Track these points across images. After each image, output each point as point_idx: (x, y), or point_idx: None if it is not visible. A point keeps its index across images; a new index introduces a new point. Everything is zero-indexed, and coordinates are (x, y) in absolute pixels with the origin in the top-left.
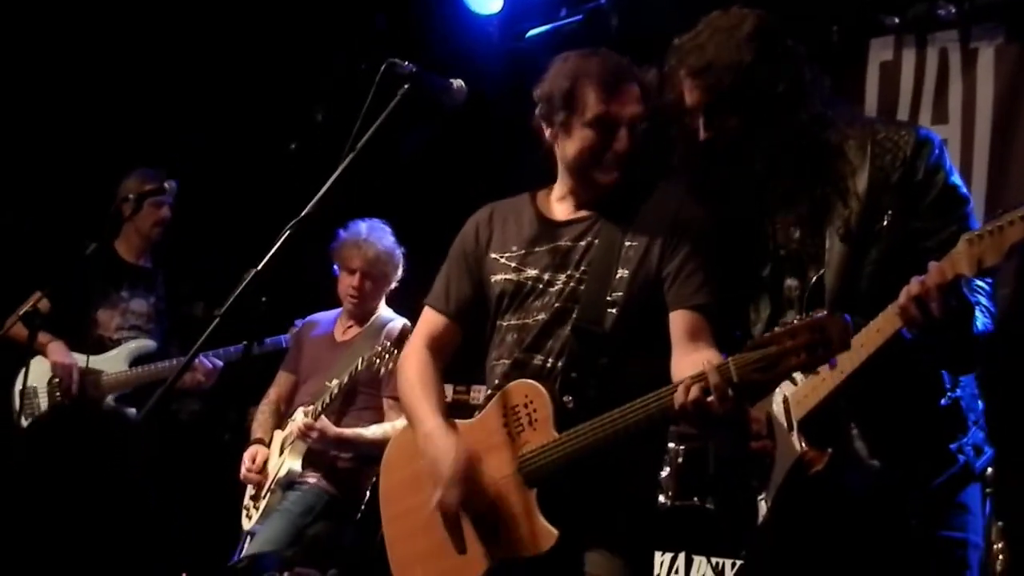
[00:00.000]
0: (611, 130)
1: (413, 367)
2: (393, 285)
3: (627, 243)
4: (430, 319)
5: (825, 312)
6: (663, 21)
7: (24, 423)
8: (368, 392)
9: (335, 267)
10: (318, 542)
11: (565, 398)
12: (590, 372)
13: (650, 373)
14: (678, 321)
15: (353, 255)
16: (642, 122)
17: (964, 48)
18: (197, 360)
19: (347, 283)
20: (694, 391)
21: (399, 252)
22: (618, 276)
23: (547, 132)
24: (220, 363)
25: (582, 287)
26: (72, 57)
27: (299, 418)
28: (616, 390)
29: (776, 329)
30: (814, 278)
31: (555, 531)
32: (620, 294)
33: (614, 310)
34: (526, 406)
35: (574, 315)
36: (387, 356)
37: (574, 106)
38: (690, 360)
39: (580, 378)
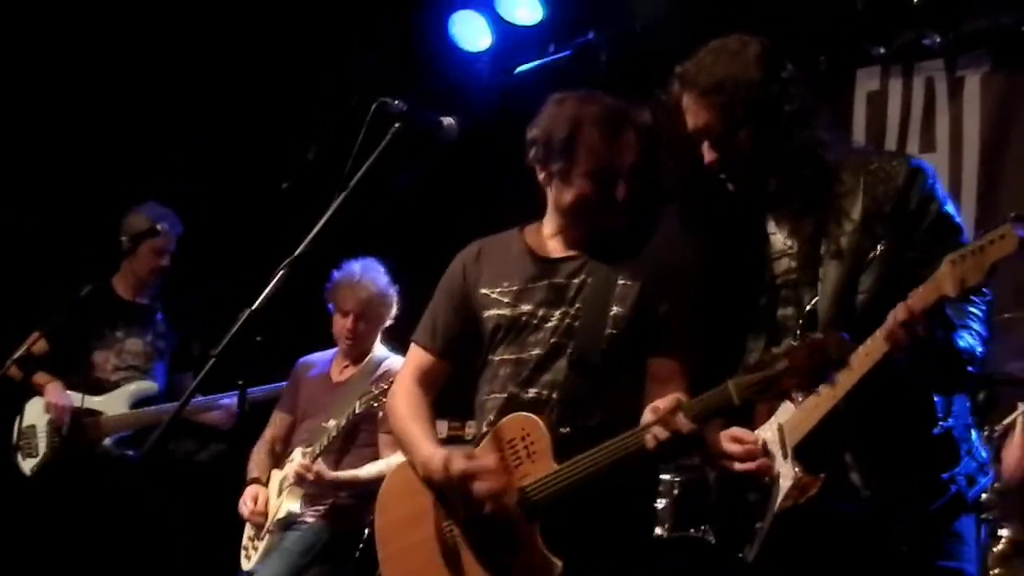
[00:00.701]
0: (610, 181)
1: (403, 402)
2: (388, 323)
3: (620, 281)
4: (418, 356)
5: (821, 333)
6: (652, 57)
7: (22, 462)
8: (368, 430)
9: (330, 307)
10: None
11: (562, 428)
12: (586, 402)
13: (643, 401)
14: (653, 367)
15: (347, 297)
16: (640, 169)
17: (950, 77)
18: (224, 400)
19: (341, 324)
20: (661, 431)
21: (393, 292)
22: (612, 312)
23: (541, 175)
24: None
25: (577, 323)
26: (69, 97)
27: (297, 458)
28: (611, 418)
29: (774, 350)
30: (808, 306)
31: (559, 563)
32: (614, 330)
33: (609, 344)
34: (523, 439)
35: (569, 349)
36: (384, 400)
37: (572, 156)
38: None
39: (576, 408)
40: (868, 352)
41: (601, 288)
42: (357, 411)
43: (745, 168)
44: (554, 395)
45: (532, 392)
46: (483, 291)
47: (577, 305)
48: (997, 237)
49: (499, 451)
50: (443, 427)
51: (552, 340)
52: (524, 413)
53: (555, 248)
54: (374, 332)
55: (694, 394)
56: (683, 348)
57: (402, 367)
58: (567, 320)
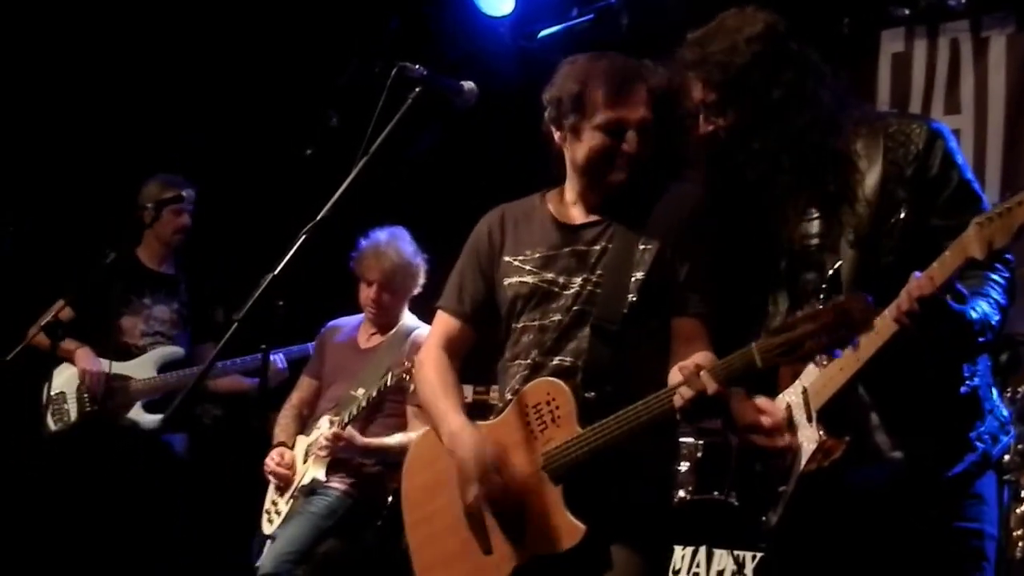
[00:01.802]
0: (620, 133)
1: (432, 369)
2: (415, 293)
3: (641, 246)
4: (444, 322)
5: (845, 296)
6: (673, 20)
7: (53, 427)
8: (395, 400)
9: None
10: (329, 561)
11: (587, 393)
12: (610, 368)
13: (665, 367)
14: (677, 327)
15: (371, 267)
16: (651, 124)
17: (975, 38)
18: (271, 360)
19: (366, 294)
20: (688, 391)
21: (419, 261)
22: (633, 278)
23: (556, 135)
24: (285, 366)
25: (599, 290)
26: (90, 64)
27: (324, 426)
28: (635, 383)
29: (798, 313)
30: (831, 270)
31: (582, 526)
32: (636, 295)
33: (631, 310)
34: (548, 403)
35: (592, 317)
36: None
37: (583, 110)
38: (684, 362)
39: (601, 374)
40: (878, 331)
41: (622, 254)
42: (389, 383)
43: (731, 146)
44: (579, 362)
45: (557, 360)
46: (506, 258)
47: (599, 272)
48: None
49: (524, 415)
50: (468, 391)
51: (575, 308)
52: (550, 378)
53: (576, 215)
54: (400, 302)
55: (718, 355)
56: (706, 306)
57: (429, 334)
58: (588, 287)
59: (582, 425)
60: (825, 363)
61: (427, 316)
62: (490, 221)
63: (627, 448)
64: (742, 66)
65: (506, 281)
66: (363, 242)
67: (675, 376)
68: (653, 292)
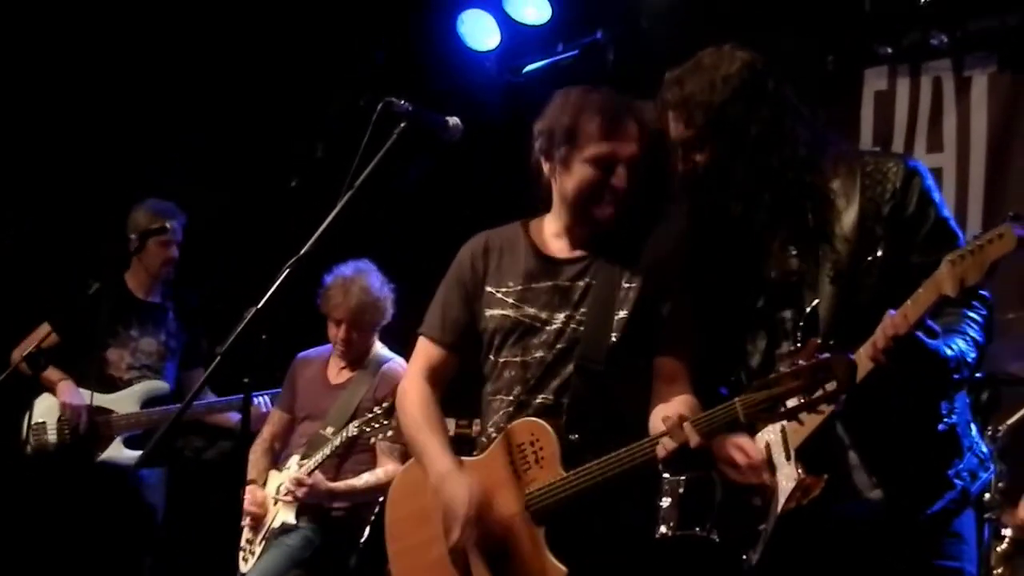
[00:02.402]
0: (610, 167)
1: (415, 402)
2: (383, 324)
3: (624, 284)
4: (427, 350)
5: (829, 353)
6: (659, 56)
7: (31, 451)
8: (367, 437)
9: None
10: None
11: (572, 435)
12: (594, 409)
13: (651, 400)
14: (659, 366)
15: (338, 306)
16: (640, 160)
17: (958, 77)
18: (256, 403)
19: (334, 332)
20: (670, 442)
21: (386, 293)
22: (617, 317)
23: (546, 167)
24: (269, 408)
25: (582, 328)
26: (76, 92)
27: (293, 467)
28: (619, 425)
29: (782, 370)
30: (809, 307)
31: (564, 568)
32: (619, 334)
33: (614, 350)
34: (532, 444)
35: (575, 355)
36: (377, 426)
37: (574, 142)
38: (666, 404)
39: (585, 415)
40: (862, 361)
41: (606, 291)
42: (351, 434)
43: (708, 184)
44: (563, 400)
45: (541, 398)
46: (488, 288)
47: (582, 309)
48: (996, 236)
49: (508, 454)
50: (451, 424)
51: (558, 345)
52: (534, 418)
53: (560, 248)
54: (369, 337)
55: (699, 393)
56: (687, 345)
57: (411, 361)
58: (572, 325)
59: (565, 467)
60: (804, 417)
61: (397, 344)
62: (473, 248)
63: (611, 491)
64: (720, 104)
65: (488, 312)
66: (328, 279)
67: (657, 423)
68: (637, 331)
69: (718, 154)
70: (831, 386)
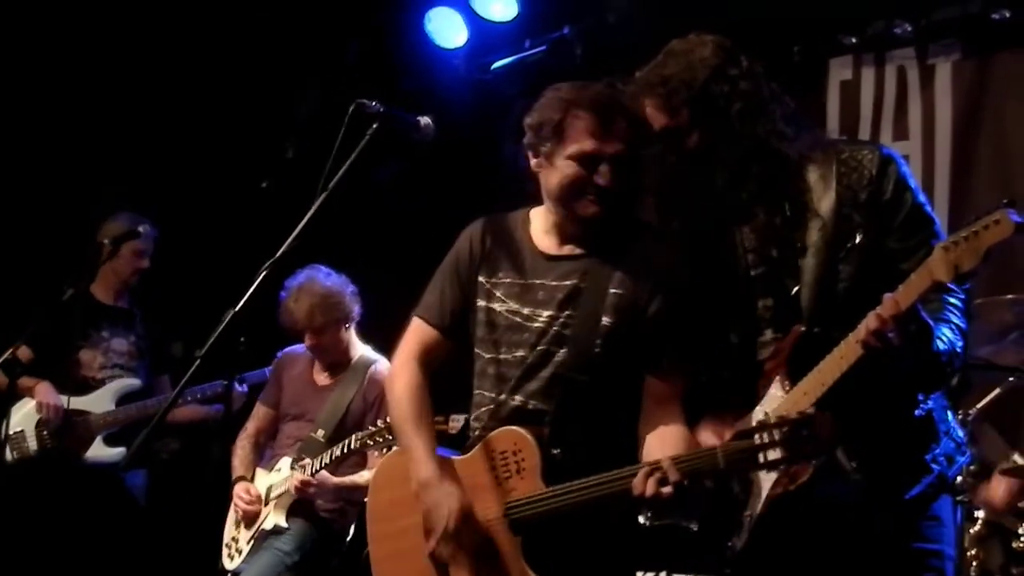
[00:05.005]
0: (593, 164)
1: (404, 388)
2: (353, 320)
3: (612, 290)
4: (421, 331)
5: (813, 410)
6: (627, 50)
7: (11, 459)
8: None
9: None
10: None
11: (554, 450)
12: (577, 423)
13: (634, 421)
14: (650, 386)
15: (293, 318)
16: (627, 158)
17: (922, 65)
18: (235, 388)
19: (306, 343)
20: (651, 485)
21: (341, 287)
22: (603, 323)
23: (533, 162)
24: (245, 388)
25: (567, 331)
26: (43, 100)
27: (285, 470)
28: (603, 439)
29: (761, 419)
30: (791, 294)
31: None
32: (604, 343)
33: (598, 358)
34: (514, 453)
35: (557, 359)
36: (381, 440)
37: (560, 138)
38: (657, 435)
39: (568, 430)
40: (843, 355)
41: (594, 295)
42: (354, 446)
43: (697, 167)
44: (540, 405)
45: (517, 399)
46: (480, 278)
47: (567, 312)
48: (992, 222)
49: (491, 459)
50: None
51: (539, 346)
52: (517, 428)
53: (549, 244)
54: (338, 336)
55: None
56: (681, 366)
57: (403, 342)
58: (555, 327)
59: (546, 482)
60: (788, 387)
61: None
62: (472, 234)
63: (589, 513)
64: (702, 83)
65: (478, 302)
66: (282, 295)
67: (652, 444)
68: (620, 340)
69: (706, 132)
70: (812, 441)
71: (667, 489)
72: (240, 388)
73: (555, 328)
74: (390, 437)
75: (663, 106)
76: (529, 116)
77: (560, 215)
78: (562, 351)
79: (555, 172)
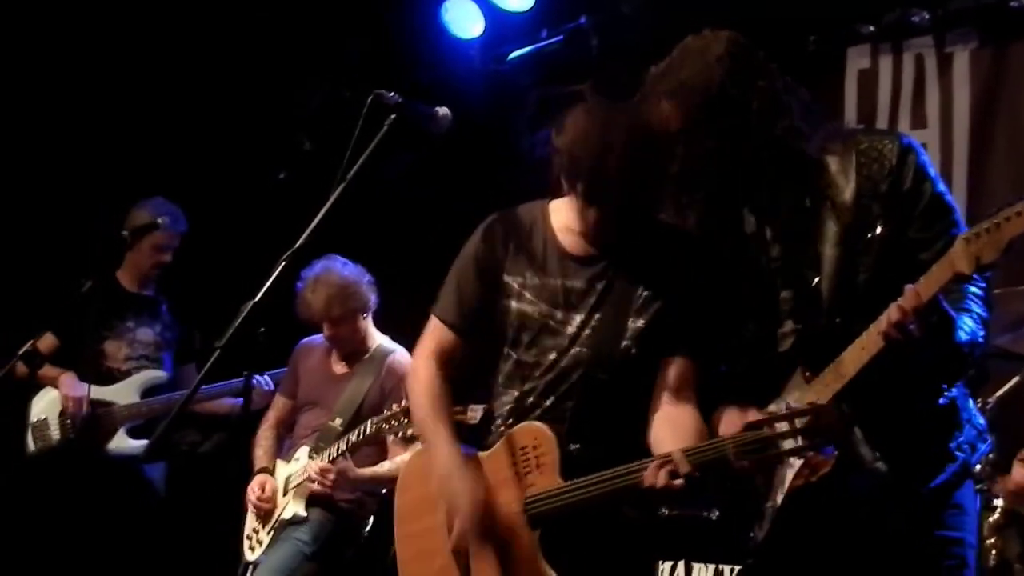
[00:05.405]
0: (635, 207)
1: (424, 384)
2: (370, 309)
3: (640, 291)
4: (439, 331)
5: (823, 402)
6: (643, 40)
7: (33, 448)
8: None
9: None
10: None
11: (572, 446)
12: (599, 420)
13: (652, 405)
14: (666, 367)
15: (311, 309)
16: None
17: (940, 53)
18: (254, 382)
19: (324, 333)
20: (662, 477)
21: (357, 278)
22: (631, 325)
23: (565, 184)
24: (272, 386)
25: (596, 334)
26: (62, 91)
27: (303, 459)
28: (623, 437)
29: (771, 409)
30: (811, 285)
31: (554, 574)
32: (633, 344)
33: (626, 360)
34: (535, 448)
35: (586, 361)
36: (396, 424)
37: (599, 184)
38: (669, 423)
39: (588, 426)
40: (864, 346)
41: (622, 298)
42: (370, 431)
43: (716, 167)
44: (568, 405)
45: (548, 402)
46: (506, 278)
47: (597, 315)
48: (1014, 214)
49: (512, 455)
50: None
51: (571, 350)
52: (538, 424)
53: (576, 245)
54: (356, 326)
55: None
56: (698, 353)
57: (423, 340)
58: (586, 330)
59: (564, 477)
60: (809, 379)
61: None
62: (493, 232)
63: (606, 507)
64: (719, 82)
65: (505, 302)
66: (299, 286)
67: (662, 431)
68: (649, 342)
69: (724, 133)
70: (821, 433)
71: (678, 481)
72: (268, 386)
73: (586, 332)
74: (405, 420)
75: (680, 108)
76: (559, 136)
77: (589, 229)
78: (592, 353)
79: (593, 211)
